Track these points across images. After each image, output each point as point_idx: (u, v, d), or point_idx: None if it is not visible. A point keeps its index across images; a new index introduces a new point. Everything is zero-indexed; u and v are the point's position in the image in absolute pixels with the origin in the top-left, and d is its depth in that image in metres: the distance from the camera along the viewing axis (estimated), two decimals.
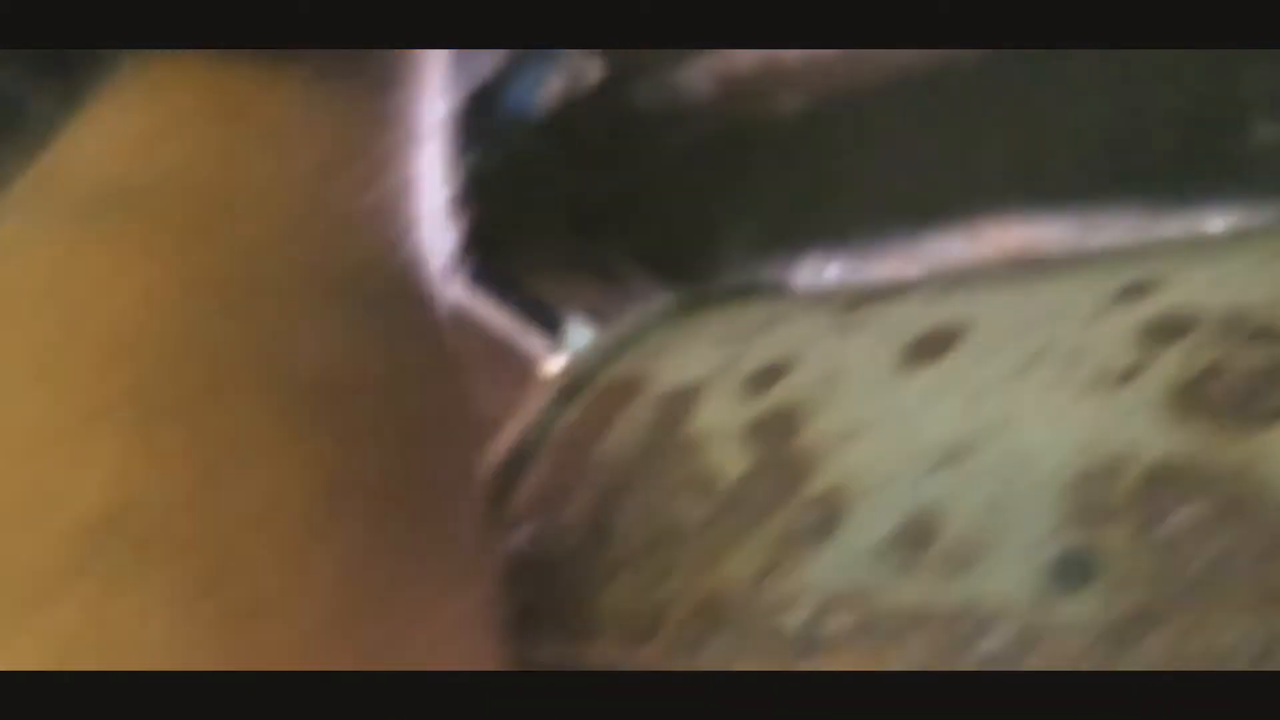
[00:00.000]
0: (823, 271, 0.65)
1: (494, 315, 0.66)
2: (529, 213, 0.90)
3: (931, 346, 0.27)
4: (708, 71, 0.83)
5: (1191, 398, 0.22)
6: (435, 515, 0.23)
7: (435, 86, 0.29)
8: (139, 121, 0.24)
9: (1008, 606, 0.21)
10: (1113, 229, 0.61)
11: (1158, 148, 0.59)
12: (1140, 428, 0.22)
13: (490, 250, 0.74)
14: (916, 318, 0.28)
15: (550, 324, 0.69)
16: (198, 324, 0.20)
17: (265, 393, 0.20)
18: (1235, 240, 0.27)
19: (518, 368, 0.61)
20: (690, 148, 0.88)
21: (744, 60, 0.80)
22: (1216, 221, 0.57)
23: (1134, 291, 0.25)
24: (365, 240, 0.25)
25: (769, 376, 0.28)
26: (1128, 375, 0.23)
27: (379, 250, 0.25)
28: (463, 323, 0.64)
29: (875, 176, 0.75)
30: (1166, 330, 0.24)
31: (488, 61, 0.40)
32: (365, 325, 0.23)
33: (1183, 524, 0.21)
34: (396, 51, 0.27)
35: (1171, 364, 0.23)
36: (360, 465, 0.21)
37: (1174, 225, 0.57)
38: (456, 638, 0.22)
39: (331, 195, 0.24)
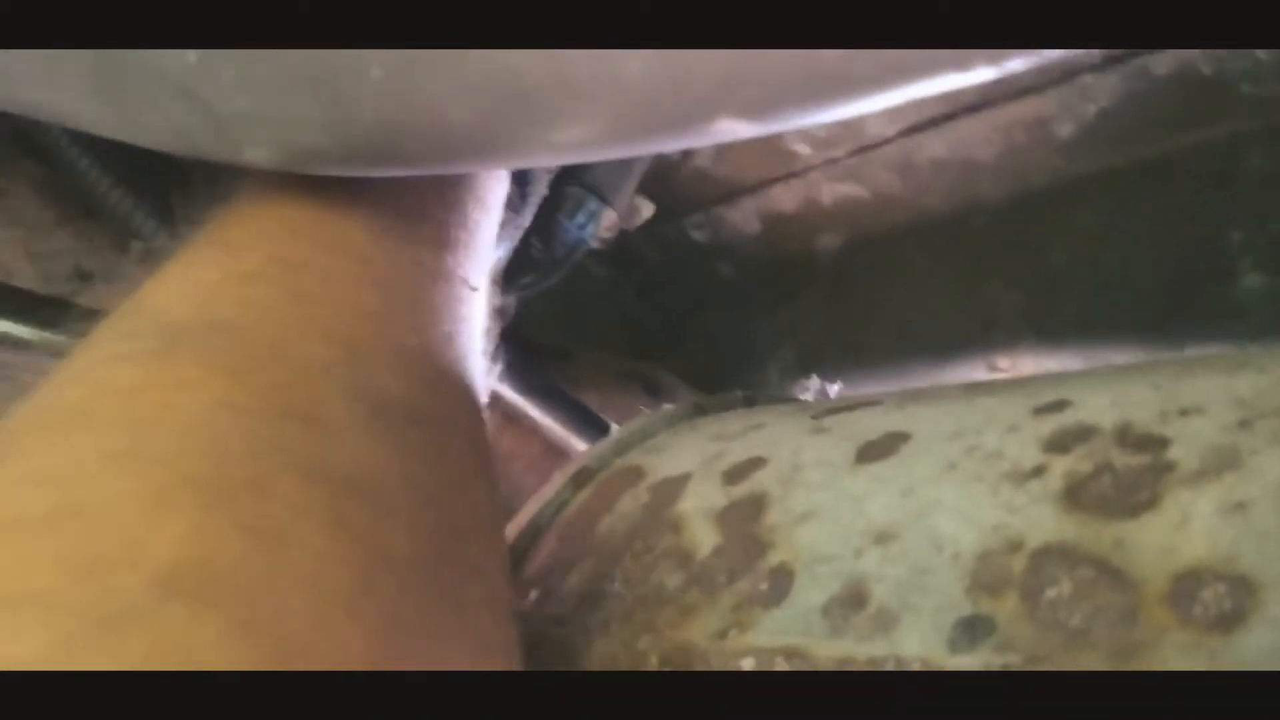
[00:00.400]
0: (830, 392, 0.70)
1: (550, 422, 0.71)
2: (588, 333, 0.97)
3: (880, 449, 0.31)
4: (753, 209, 0.89)
5: (1079, 493, 0.27)
6: (461, 593, 0.26)
7: (488, 247, 0.35)
8: (216, 272, 0.29)
9: (920, 657, 0.26)
10: (1113, 363, 0.65)
11: (1153, 292, 0.63)
12: (1036, 516, 0.27)
13: (550, 364, 0.80)
14: (872, 426, 0.33)
15: (600, 431, 0.74)
16: (258, 428, 0.24)
17: (309, 485, 0.23)
18: (1137, 370, 0.31)
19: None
20: (735, 278, 0.94)
21: (785, 200, 0.86)
22: None
23: (1048, 409, 0.30)
24: (412, 372, 0.29)
25: (745, 469, 0.33)
26: (1032, 474, 0.28)
27: (422, 381, 0.30)
28: (521, 427, 0.69)
29: (900, 311, 0.80)
30: (1068, 439, 0.28)
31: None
32: (403, 438, 0.27)
33: (1061, 593, 0.25)
34: (456, 215, 0.33)
35: (1067, 466, 0.28)
36: (394, 547, 0.24)
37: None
38: None
39: (385, 335, 0.29)
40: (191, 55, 0.25)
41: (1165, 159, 0.63)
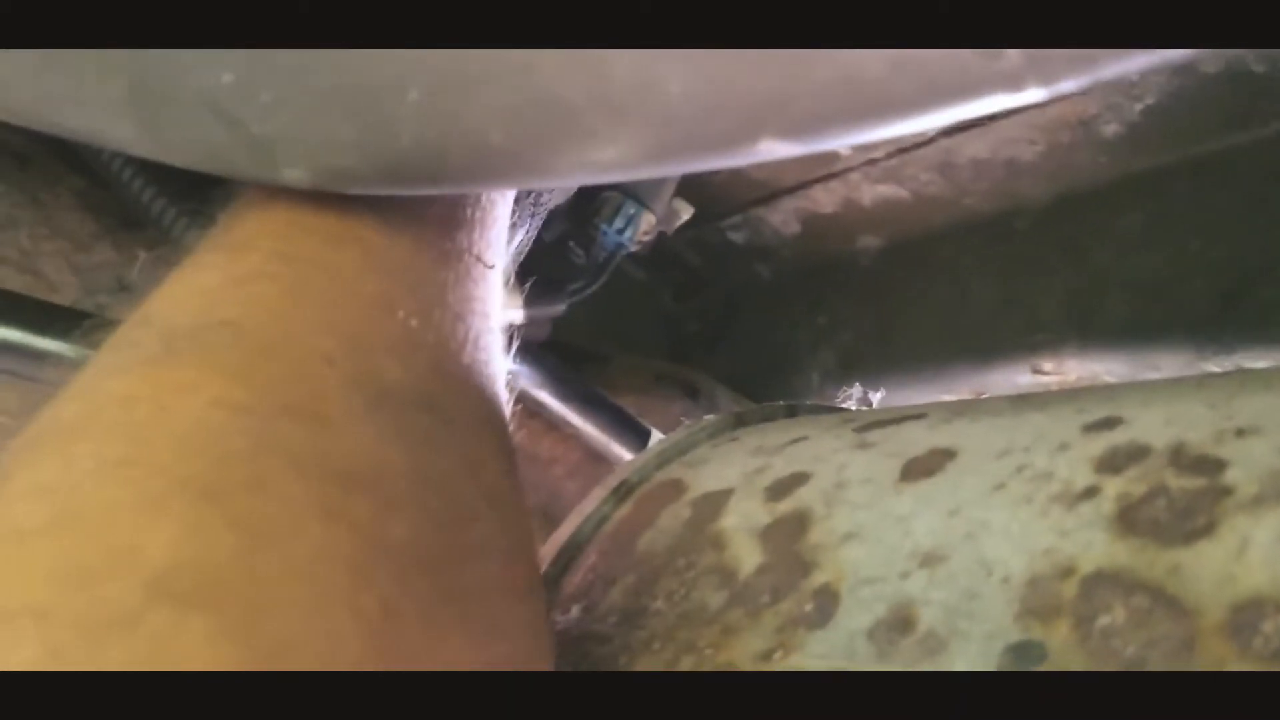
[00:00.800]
0: (877, 398, 0.69)
1: (589, 427, 0.71)
2: (626, 336, 0.97)
3: (925, 466, 0.31)
4: (792, 211, 0.89)
5: (1133, 516, 0.26)
6: (465, 577, 0.26)
7: (501, 225, 0.34)
8: (217, 275, 0.29)
9: None
10: (1160, 367, 0.64)
11: (1201, 295, 0.62)
12: (1087, 540, 0.26)
13: (588, 369, 0.80)
14: (917, 441, 0.32)
15: (640, 436, 0.74)
16: (255, 426, 0.24)
17: (305, 480, 0.24)
18: (1191, 385, 0.30)
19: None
20: (774, 280, 0.93)
21: (825, 201, 0.85)
22: (1256, 364, 0.60)
23: (1100, 426, 0.29)
24: (417, 357, 0.29)
25: (787, 485, 0.33)
26: (1083, 496, 0.27)
27: (428, 364, 0.29)
28: (561, 433, 0.69)
29: (942, 313, 0.79)
30: (1121, 459, 0.28)
31: (557, 199, 0.45)
32: (407, 425, 0.27)
33: (1116, 620, 0.24)
34: (465, 195, 0.33)
35: (1120, 488, 0.27)
36: (393, 537, 0.24)
37: (1216, 366, 0.60)
38: None
39: (388, 322, 0.29)
40: (228, 76, 0.25)
41: (1213, 158, 0.62)
